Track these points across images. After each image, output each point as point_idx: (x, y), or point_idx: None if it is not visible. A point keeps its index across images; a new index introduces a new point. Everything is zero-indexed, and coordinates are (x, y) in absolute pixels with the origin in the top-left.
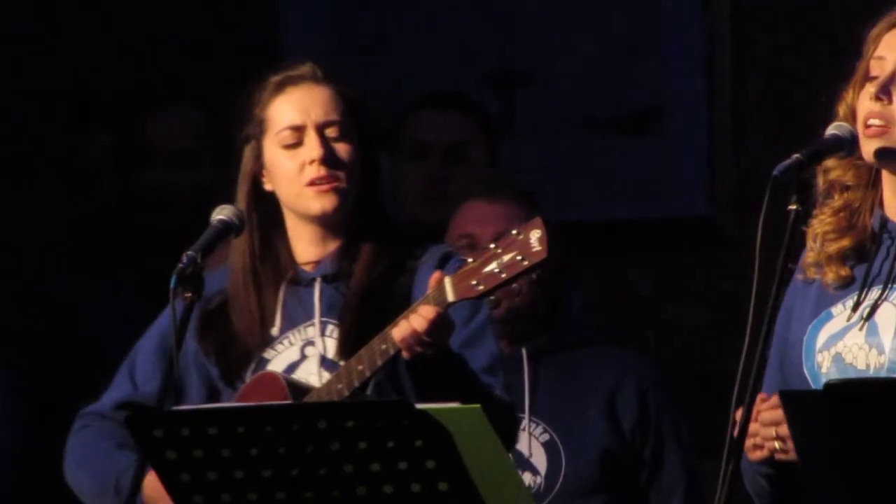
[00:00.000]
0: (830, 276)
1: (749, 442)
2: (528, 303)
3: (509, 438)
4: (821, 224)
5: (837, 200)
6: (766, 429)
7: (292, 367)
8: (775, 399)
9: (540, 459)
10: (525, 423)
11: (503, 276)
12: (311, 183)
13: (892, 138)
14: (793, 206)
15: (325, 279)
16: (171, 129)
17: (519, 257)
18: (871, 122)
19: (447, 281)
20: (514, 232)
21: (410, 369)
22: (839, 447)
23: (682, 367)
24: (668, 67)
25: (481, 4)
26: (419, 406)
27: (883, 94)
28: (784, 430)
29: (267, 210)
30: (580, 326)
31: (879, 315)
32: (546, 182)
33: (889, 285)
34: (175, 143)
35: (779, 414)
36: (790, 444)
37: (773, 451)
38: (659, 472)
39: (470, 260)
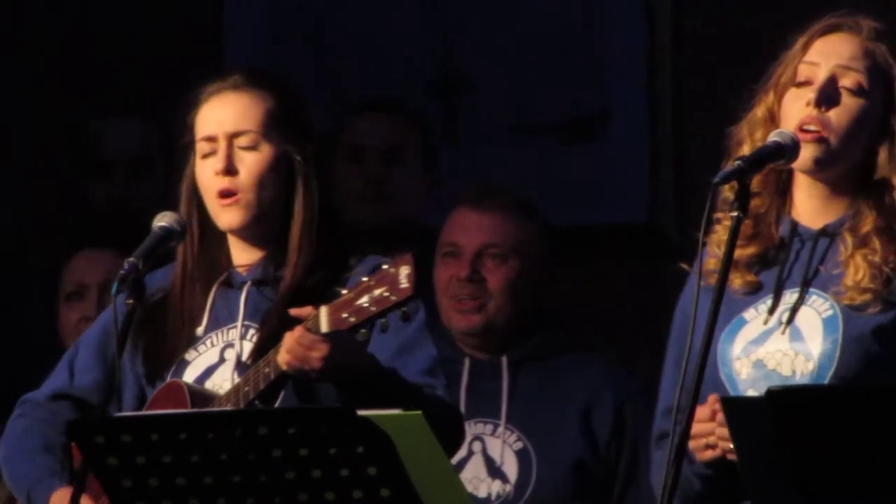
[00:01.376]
0: (737, 282)
1: (701, 441)
2: (504, 316)
3: (455, 437)
4: (725, 231)
5: None
6: (723, 429)
7: (210, 370)
8: None
9: (511, 468)
10: (500, 430)
11: (372, 309)
12: (218, 195)
13: (830, 146)
14: (734, 213)
15: (255, 283)
16: (119, 140)
17: (387, 293)
18: (808, 127)
19: (323, 311)
20: (385, 266)
21: (340, 388)
22: (780, 452)
23: None
24: (610, 74)
25: (425, 11)
26: (361, 412)
27: (825, 101)
28: None
29: (207, 214)
30: (563, 332)
31: (801, 320)
32: None
33: (806, 290)
34: (122, 153)
35: None
36: None
37: (727, 451)
38: (631, 484)
39: (345, 292)
